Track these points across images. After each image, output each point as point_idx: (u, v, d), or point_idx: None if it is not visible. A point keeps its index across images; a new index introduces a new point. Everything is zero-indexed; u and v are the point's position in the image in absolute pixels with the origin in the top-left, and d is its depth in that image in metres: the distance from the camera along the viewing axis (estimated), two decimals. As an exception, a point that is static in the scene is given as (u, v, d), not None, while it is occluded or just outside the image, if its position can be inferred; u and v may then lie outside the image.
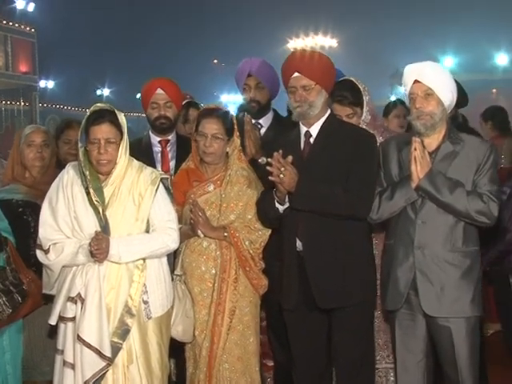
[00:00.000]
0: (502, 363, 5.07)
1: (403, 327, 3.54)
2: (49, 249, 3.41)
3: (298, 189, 3.45)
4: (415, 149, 3.37)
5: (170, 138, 4.40)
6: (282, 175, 3.41)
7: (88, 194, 3.41)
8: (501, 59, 39.83)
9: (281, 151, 3.42)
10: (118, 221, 3.42)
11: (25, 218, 4.02)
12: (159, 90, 4.30)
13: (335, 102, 4.01)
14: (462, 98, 5.38)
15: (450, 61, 41.89)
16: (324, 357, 3.79)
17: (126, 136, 3.47)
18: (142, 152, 3.80)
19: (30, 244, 3.94)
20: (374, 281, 3.69)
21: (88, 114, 3.44)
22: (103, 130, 3.39)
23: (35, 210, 3.97)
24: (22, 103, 27.60)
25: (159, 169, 4.25)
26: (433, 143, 3.49)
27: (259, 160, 4.17)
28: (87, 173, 3.43)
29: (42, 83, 30.02)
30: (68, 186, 3.46)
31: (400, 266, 3.48)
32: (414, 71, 3.49)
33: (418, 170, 3.38)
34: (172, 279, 3.70)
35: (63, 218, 3.43)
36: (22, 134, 4.15)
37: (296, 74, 3.61)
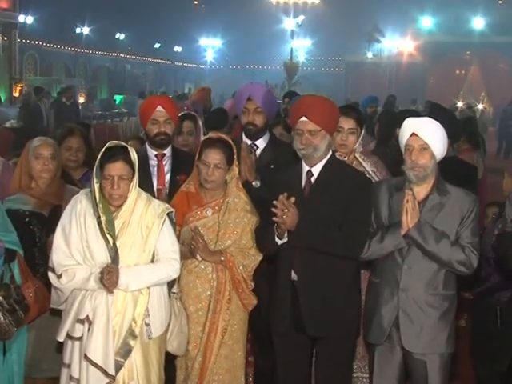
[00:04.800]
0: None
1: (382, 357, 3.85)
2: (61, 274, 3.61)
3: (298, 228, 3.68)
4: (407, 201, 3.64)
5: (166, 152, 4.54)
6: (284, 216, 3.64)
7: (100, 224, 3.60)
8: (477, 23, 39.76)
9: (285, 194, 3.63)
10: (126, 251, 3.63)
11: (31, 227, 4.16)
12: (159, 108, 4.43)
13: (341, 114, 4.19)
14: (456, 132, 5.64)
15: (428, 20, 41.59)
16: (305, 374, 4.08)
17: (136, 172, 3.66)
18: (138, 165, 3.86)
19: (35, 253, 4.14)
20: (359, 314, 3.95)
21: (103, 150, 3.61)
22: (117, 168, 3.58)
23: (40, 220, 4.19)
24: (1, 38, 26.65)
25: (155, 182, 4.45)
26: (422, 192, 3.75)
27: (253, 183, 4.42)
28: (100, 205, 3.61)
29: (21, 18, 29.04)
30: (81, 216, 3.64)
31: (385, 305, 3.76)
32: (412, 125, 3.74)
33: (409, 220, 3.65)
34: (169, 296, 3.91)
35: (76, 246, 3.62)
36: (31, 146, 4.26)
37: (303, 119, 3.79)
